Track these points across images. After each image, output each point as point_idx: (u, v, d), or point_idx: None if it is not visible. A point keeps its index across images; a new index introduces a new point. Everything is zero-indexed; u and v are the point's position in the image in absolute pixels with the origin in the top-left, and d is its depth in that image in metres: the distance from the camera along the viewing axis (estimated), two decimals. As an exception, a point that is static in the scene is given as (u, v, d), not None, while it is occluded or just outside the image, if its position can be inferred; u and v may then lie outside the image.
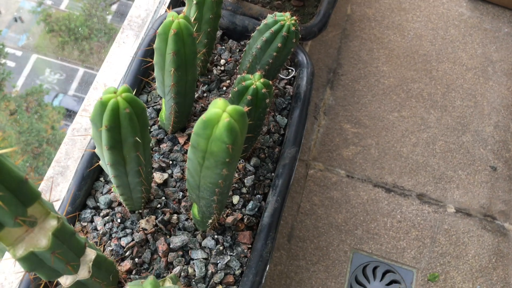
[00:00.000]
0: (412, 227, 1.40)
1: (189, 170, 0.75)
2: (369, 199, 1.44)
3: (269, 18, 0.95)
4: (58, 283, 0.85)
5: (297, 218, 1.38)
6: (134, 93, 0.68)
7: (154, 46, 0.81)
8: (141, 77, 1.07)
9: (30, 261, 0.56)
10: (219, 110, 0.62)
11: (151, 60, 0.92)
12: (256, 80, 0.86)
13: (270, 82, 0.88)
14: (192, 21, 0.81)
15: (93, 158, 0.96)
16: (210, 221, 0.89)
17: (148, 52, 1.09)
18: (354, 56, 1.69)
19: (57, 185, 1.15)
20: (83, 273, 0.66)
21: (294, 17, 0.93)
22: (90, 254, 0.68)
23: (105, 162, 0.76)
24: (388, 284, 1.32)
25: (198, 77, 1.11)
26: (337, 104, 1.59)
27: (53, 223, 0.57)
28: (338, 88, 1.62)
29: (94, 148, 0.96)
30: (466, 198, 1.48)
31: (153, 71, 1.04)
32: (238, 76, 0.89)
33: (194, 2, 0.90)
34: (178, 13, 0.78)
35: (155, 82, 0.98)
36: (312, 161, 1.48)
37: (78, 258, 0.65)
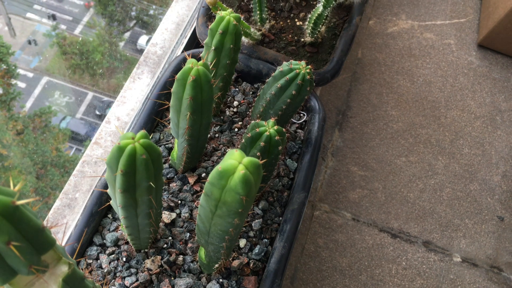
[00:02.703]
0: (418, 275, 1.39)
1: (200, 216, 0.75)
2: (375, 244, 1.42)
3: (285, 65, 0.96)
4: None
5: (301, 260, 1.37)
6: (147, 131, 0.68)
7: (172, 90, 0.83)
8: (155, 117, 1.09)
9: (39, 307, 0.56)
10: (235, 161, 0.62)
11: (166, 102, 0.93)
12: (270, 127, 0.87)
13: (284, 129, 0.89)
14: (210, 67, 0.82)
15: (103, 195, 0.96)
16: (216, 265, 0.89)
17: (162, 94, 1.10)
18: (364, 99, 1.70)
19: (63, 217, 1.15)
20: (89, 318, 0.66)
21: (309, 66, 0.95)
22: (97, 298, 0.67)
23: (116, 203, 0.76)
24: (391, 334, 1.29)
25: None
26: (345, 146, 1.59)
27: (64, 269, 0.57)
28: (347, 130, 1.63)
29: (104, 186, 0.97)
30: (473, 247, 1.46)
31: (167, 112, 1.06)
32: (252, 121, 0.90)
33: (213, 48, 0.91)
34: (195, 55, 0.80)
35: (169, 123, 0.99)
36: (318, 202, 1.47)
37: (86, 303, 0.64)
